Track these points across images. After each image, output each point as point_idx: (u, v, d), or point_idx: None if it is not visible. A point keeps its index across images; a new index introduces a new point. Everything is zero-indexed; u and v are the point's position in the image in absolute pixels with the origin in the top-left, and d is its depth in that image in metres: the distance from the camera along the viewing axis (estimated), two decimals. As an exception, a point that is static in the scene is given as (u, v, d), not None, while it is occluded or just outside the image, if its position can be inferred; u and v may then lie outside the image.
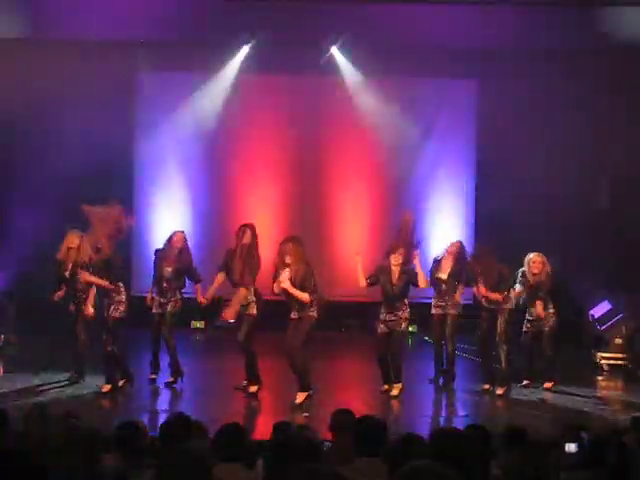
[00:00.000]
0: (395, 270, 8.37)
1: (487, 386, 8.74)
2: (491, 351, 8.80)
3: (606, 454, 3.98)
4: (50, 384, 8.45)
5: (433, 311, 9.03)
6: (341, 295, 11.08)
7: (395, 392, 8.33)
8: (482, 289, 8.71)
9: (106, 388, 8.29)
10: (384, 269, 8.41)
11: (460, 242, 9.21)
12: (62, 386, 8.44)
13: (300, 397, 7.82)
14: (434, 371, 9.07)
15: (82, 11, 10.70)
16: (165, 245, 8.83)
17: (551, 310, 8.95)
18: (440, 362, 9.07)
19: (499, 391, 8.61)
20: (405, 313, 8.35)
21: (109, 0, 10.96)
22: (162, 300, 8.68)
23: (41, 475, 2.93)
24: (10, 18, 10.71)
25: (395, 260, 8.37)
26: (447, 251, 9.04)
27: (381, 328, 8.36)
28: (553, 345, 8.97)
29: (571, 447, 4.39)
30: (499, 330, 8.70)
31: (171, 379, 8.67)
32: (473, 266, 8.82)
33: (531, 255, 8.96)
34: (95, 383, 8.42)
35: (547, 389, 8.87)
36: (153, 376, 8.75)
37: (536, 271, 8.86)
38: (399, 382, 8.37)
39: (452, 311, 8.91)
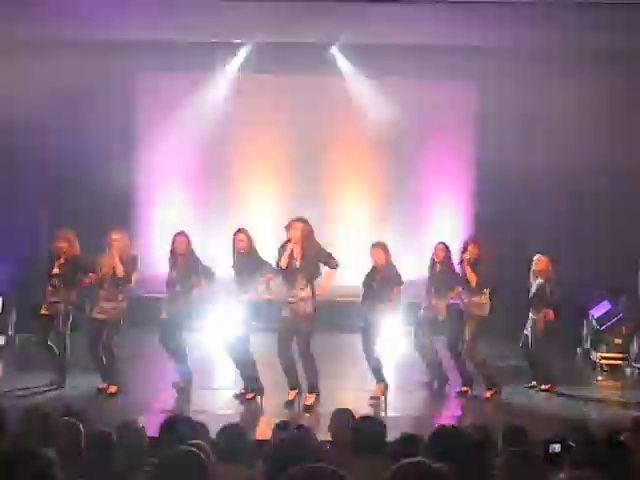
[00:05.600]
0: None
1: (465, 388, 8.73)
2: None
3: (605, 454, 3.98)
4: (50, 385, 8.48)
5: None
6: (341, 295, 11.07)
7: (378, 393, 8.35)
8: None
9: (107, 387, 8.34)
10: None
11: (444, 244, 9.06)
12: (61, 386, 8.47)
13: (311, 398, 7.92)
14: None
15: (82, 11, 10.69)
16: None
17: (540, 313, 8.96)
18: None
19: (487, 394, 8.59)
20: None
21: (109, 0, 10.95)
22: None
23: (42, 475, 2.93)
24: (10, 18, 10.70)
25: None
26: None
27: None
28: (542, 347, 8.98)
29: (555, 448, 4.41)
30: (468, 337, 8.63)
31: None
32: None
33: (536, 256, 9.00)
34: (95, 383, 8.44)
35: (545, 391, 8.90)
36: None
37: (539, 269, 8.88)
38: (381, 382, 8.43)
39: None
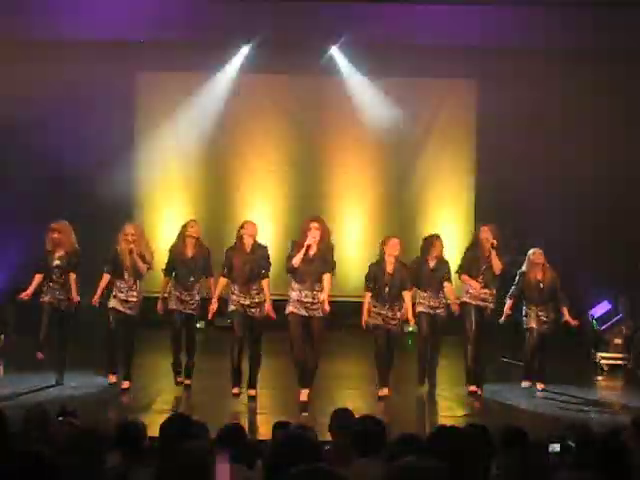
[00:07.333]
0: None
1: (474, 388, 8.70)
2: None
3: (605, 454, 3.98)
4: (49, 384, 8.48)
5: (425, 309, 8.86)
6: (341, 295, 11.07)
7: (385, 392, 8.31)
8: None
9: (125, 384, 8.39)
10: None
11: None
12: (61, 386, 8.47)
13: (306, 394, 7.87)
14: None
15: (82, 11, 10.70)
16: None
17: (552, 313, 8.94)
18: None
19: (472, 388, 8.60)
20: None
21: (109, 0, 10.96)
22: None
23: (42, 475, 2.93)
24: (10, 19, 10.71)
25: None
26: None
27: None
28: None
29: (555, 447, 4.41)
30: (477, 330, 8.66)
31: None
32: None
33: (533, 250, 8.96)
34: (95, 382, 8.44)
35: (542, 389, 8.90)
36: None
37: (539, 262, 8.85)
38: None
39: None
